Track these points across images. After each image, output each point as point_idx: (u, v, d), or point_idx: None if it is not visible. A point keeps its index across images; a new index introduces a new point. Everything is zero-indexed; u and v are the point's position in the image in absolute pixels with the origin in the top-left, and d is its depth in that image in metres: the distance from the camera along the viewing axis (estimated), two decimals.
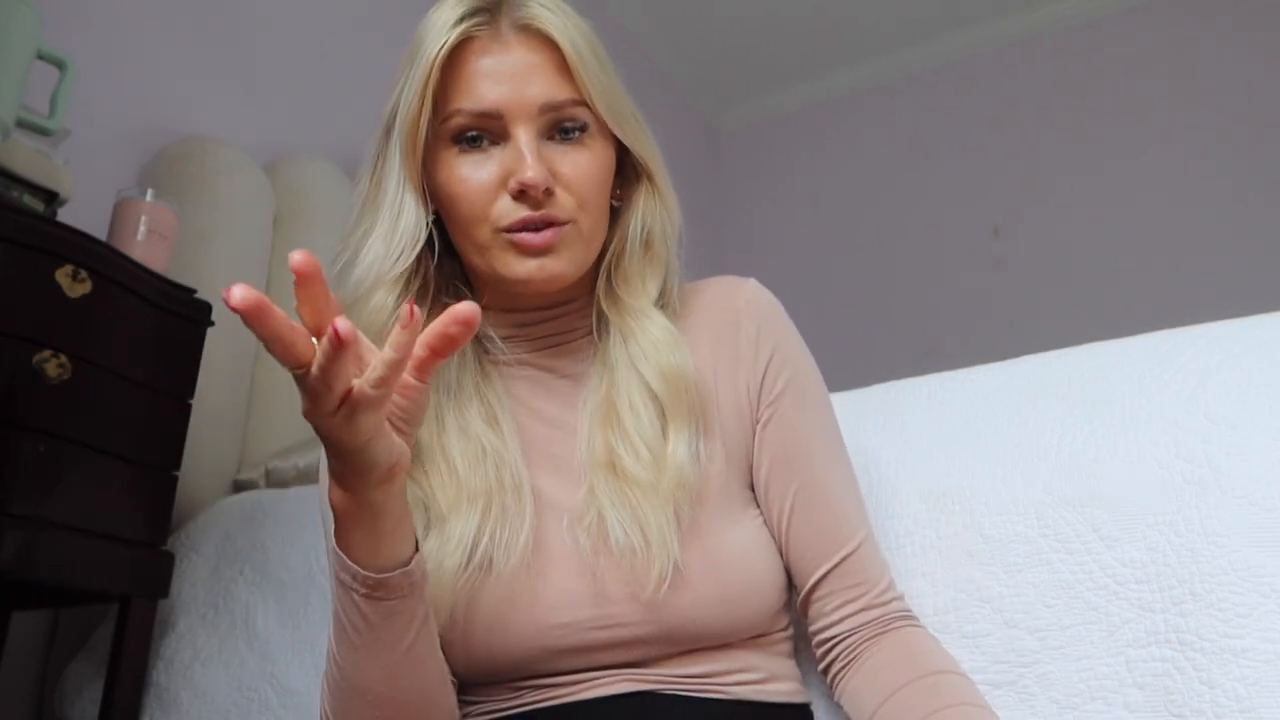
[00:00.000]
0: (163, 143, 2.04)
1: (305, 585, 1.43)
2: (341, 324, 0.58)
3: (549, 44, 0.88)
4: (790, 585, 0.92)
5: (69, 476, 1.31)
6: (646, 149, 0.94)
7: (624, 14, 3.61)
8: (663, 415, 0.88)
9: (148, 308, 1.45)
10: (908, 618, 0.90)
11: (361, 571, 0.72)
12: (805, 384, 0.94)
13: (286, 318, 0.60)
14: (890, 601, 0.90)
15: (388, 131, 0.91)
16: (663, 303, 0.95)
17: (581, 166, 0.88)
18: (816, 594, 0.90)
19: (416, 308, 0.60)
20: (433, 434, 0.89)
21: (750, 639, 0.88)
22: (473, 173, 0.87)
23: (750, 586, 0.87)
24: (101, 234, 1.52)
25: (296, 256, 0.59)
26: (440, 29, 0.86)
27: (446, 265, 0.94)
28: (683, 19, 3.74)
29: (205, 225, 1.90)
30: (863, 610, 0.89)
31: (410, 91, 0.86)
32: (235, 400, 1.92)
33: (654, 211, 0.95)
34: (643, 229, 0.94)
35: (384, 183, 0.90)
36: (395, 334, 0.60)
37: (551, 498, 0.88)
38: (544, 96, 0.86)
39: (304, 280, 0.60)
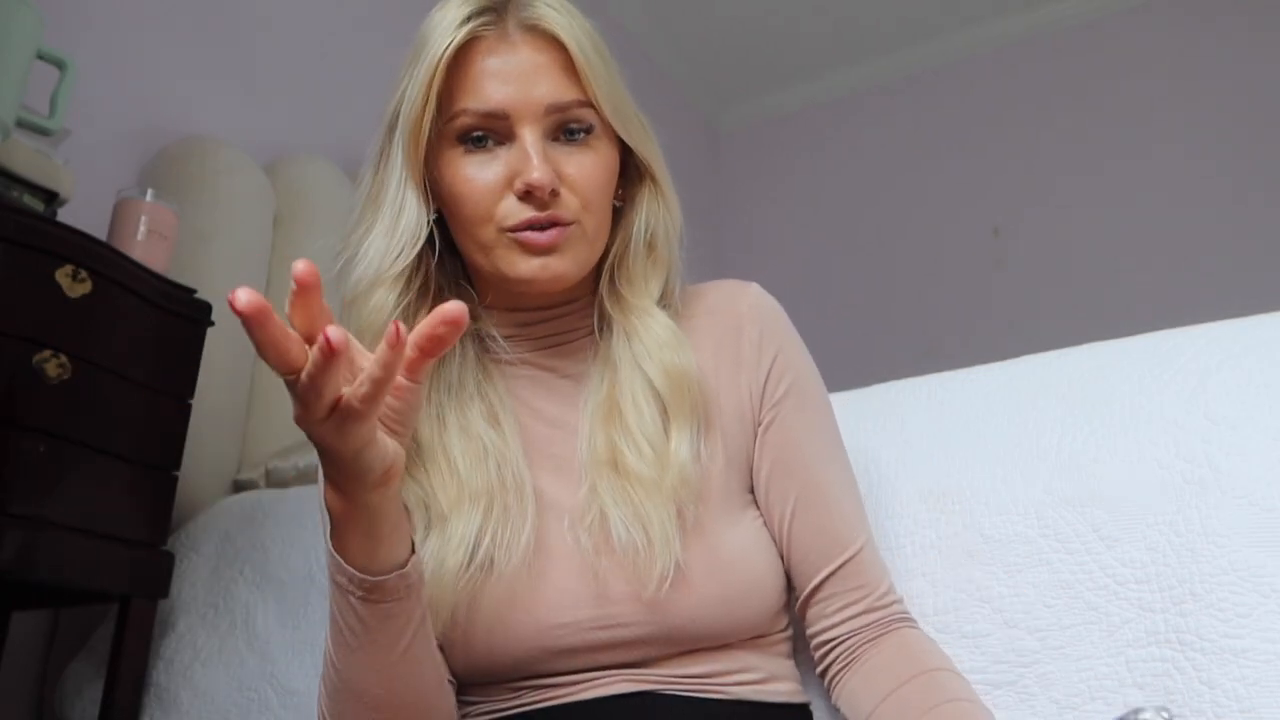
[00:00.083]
0: (163, 143, 2.04)
1: (305, 585, 1.43)
2: (333, 332, 0.58)
3: (555, 44, 0.87)
4: (789, 587, 0.92)
5: (69, 476, 1.31)
6: (649, 150, 0.94)
7: (624, 14, 3.61)
8: (665, 413, 0.89)
9: (148, 308, 1.45)
10: (906, 619, 0.90)
11: (357, 574, 0.72)
12: (807, 388, 0.95)
13: (283, 324, 0.60)
14: (890, 604, 0.90)
15: (390, 130, 0.90)
16: (665, 303, 0.95)
17: (586, 168, 0.88)
18: (816, 597, 0.90)
19: (402, 326, 0.60)
20: (434, 433, 0.89)
21: (750, 640, 0.88)
22: (478, 172, 0.86)
23: (751, 587, 0.87)
24: (101, 234, 1.52)
25: (300, 266, 0.59)
26: (446, 28, 0.86)
27: (448, 264, 0.94)
28: (683, 19, 3.74)
29: (205, 225, 1.90)
30: (863, 613, 0.89)
31: (415, 90, 0.86)
32: (235, 400, 1.92)
33: (657, 212, 0.95)
34: (646, 230, 0.94)
35: (386, 181, 0.90)
36: (381, 352, 0.60)
37: (552, 497, 0.88)
38: (550, 97, 0.86)
39: (304, 289, 0.60)
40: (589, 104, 0.88)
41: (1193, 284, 2.97)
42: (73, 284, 1.33)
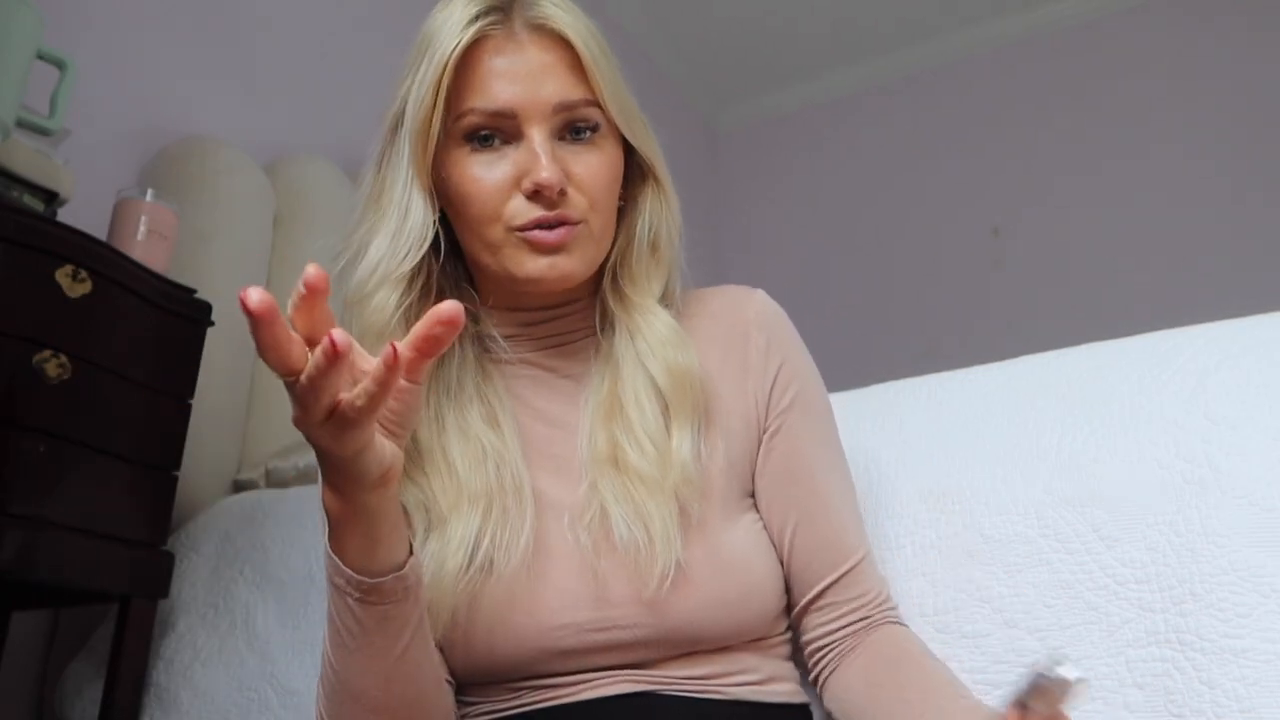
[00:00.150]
0: (163, 143, 2.04)
1: (305, 585, 1.43)
2: (338, 335, 0.58)
3: (562, 43, 0.88)
4: (786, 593, 0.93)
5: (69, 476, 1.31)
6: (652, 150, 0.94)
7: (622, 14, 3.61)
8: (666, 412, 0.89)
9: (148, 308, 1.45)
10: (895, 620, 0.92)
11: (355, 576, 0.72)
12: (811, 397, 0.95)
13: (287, 325, 0.60)
14: (885, 610, 0.91)
15: (394, 129, 0.90)
16: (666, 302, 0.95)
17: (593, 167, 0.88)
18: (814, 606, 0.90)
19: (400, 346, 0.60)
20: (433, 435, 0.89)
21: (750, 642, 0.88)
22: (485, 172, 0.86)
23: (752, 589, 0.87)
24: (101, 234, 1.52)
25: (312, 270, 0.60)
26: (453, 27, 0.86)
27: (449, 265, 0.94)
28: (681, 19, 3.74)
29: (205, 225, 1.90)
30: (858, 620, 0.90)
31: (421, 89, 0.86)
32: (235, 400, 1.92)
33: (660, 212, 0.95)
34: (650, 230, 0.94)
35: (390, 180, 0.90)
36: (378, 370, 0.61)
37: (552, 498, 0.88)
38: (558, 96, 0.86)
39: (313, 294, 0.60)
40: (596, 103, 0.88)
41: (1192, 284, 2.98)
42: (73, 284, 1.33)
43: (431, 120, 0.86)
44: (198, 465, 1.74)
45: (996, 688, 0.92)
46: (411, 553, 0.75)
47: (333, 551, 0.73)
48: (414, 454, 0.88)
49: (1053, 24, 3.61)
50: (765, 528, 0.92)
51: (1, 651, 1.56)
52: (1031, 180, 3.49)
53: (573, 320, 0.96)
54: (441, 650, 0.85)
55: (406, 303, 0.88)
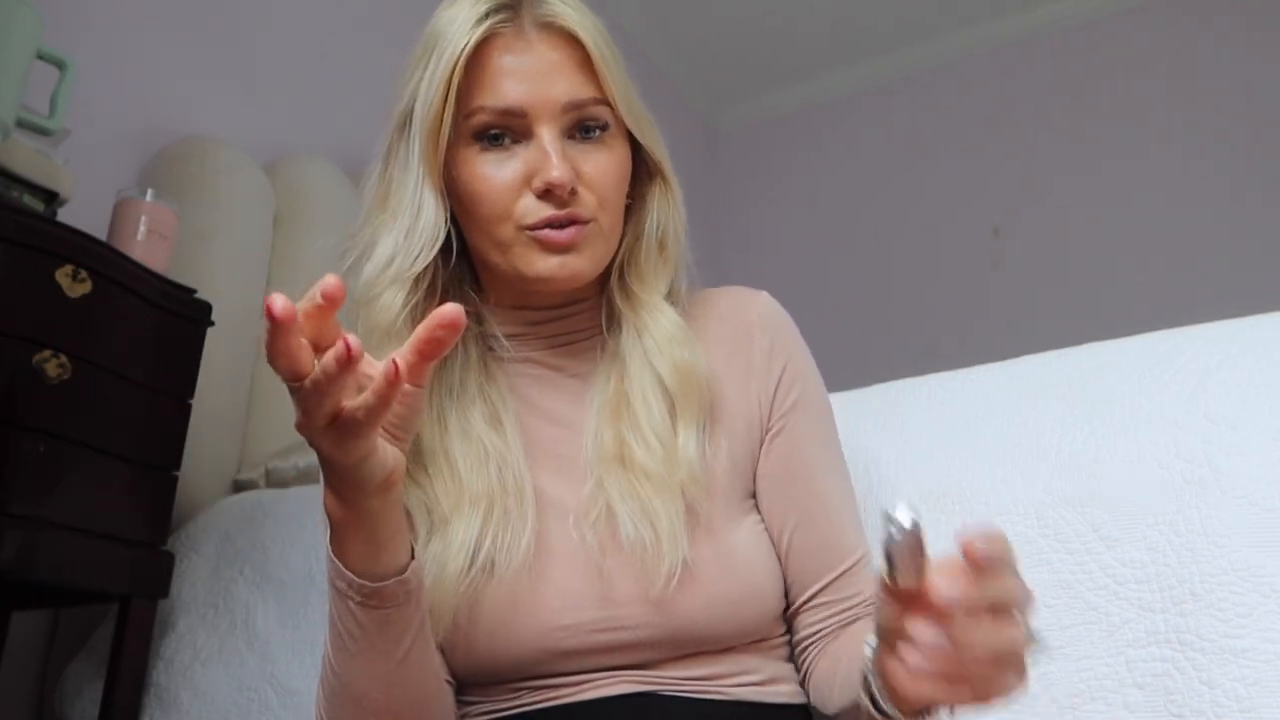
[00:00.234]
0: (163, 143, 2.04)
1: (305, 585, 1.43)
2: (354, 341, 0.59)
3: (571, 42, 0.88)
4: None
5: (69, 476, 1.31)
6: (659, 148, 0.95)
7: (622, 14, 3.61)
8: (672, 410, 0.89)
9: (148, 308, 1.45)
10: None
11: (357, 580, 0.72)
12: (813, 399, 0.95)
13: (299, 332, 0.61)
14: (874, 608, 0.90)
15: (402, 127, 0.90)
16: (672, 300, 0.95)
17: (603, 166, 0.88)
18: (809, 605, 0.90)
19: (399, 361, 0.61)
20: (435, 436, 0.89)
21: (751, 643, 0.88)
22: (495, 171, 0.86)
23: (755, 589, 0.87)
24: (101, 234, 1.52)
25: (331, 281, 0.61)
26: (463, 25, 0.86)
27: (453, 264, 0.94)
28: (681, 19, 3.74)
29: (205, 225, 1.90)
30: (846, 616, 0.89)
31: (431, 88, 0.86)
32: (235, 400, 1.92)
33: (667, 211, 0.95)
34: (658, 228, 0.95)
35: (399, 179, 0.90)
36: (378, 383, 0.61)
37: (555, 497, 0.88)
38: (568, 95, 0.86)
39: (331, 305, 0.61)
40: (605, 102, 0.88)
41: (1192, 284, 2.98)
42: (73, 284, 1.33)
43: (442, 118, 0.86)
44: (198, 465, 1.73)
45: None
46: (413, 556, 0.75)
47: (335, 555, 0.72)
48: (416, 455, 0.88)
49: (1052, 24, 3.61)
50: (765, 528, 0.92)
51: (1, 651, 1.56)
52: (1031, 180, 3.49)
53: (579, 319, 0.96)
54: (442, 651, 0.85)
55: (413, 301, 0.88)
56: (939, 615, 0.57)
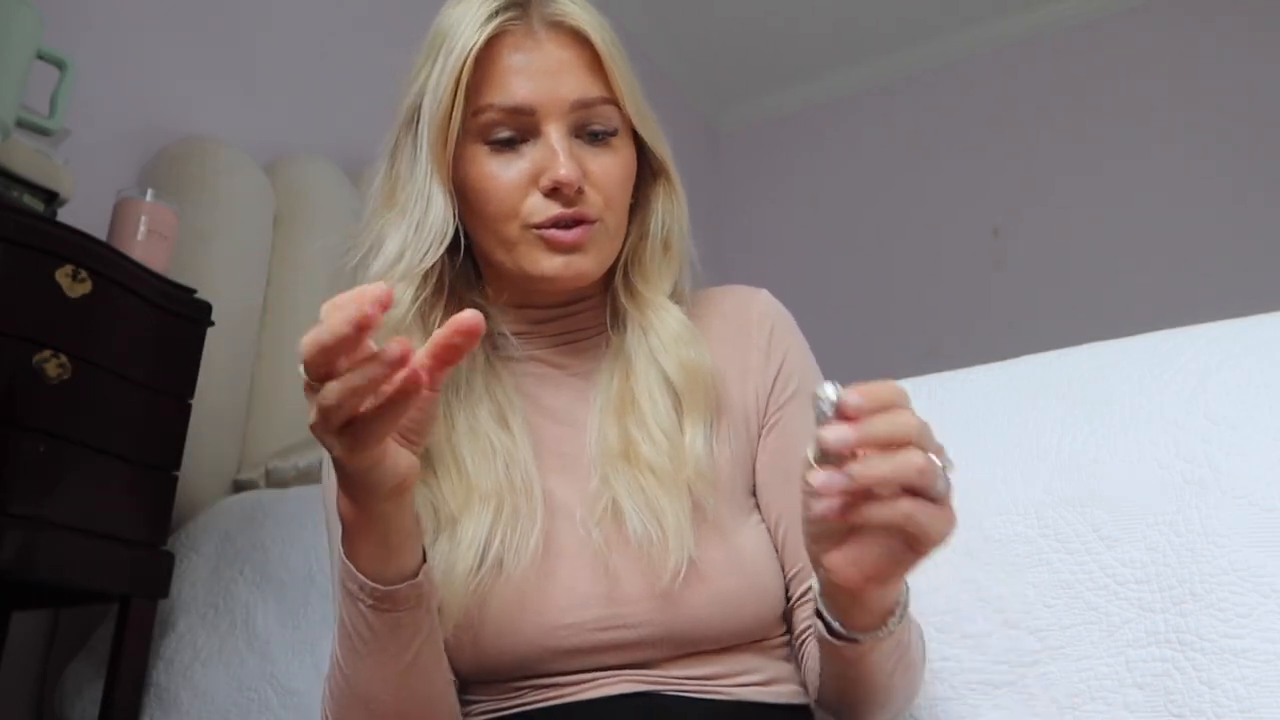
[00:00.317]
0: (163, 143, 2.04)
1: (305, 585, 1.43)
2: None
3: (580, 41, 0.88)
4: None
5: (69, 476, 1.31)
6: (664, 148, 0.95)
7: (624, 14, 3.60)
8: (678, 407, 0.89)
9: (148, 308, 1.45)
10: None
11: (369, 583, 0.72)
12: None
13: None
14: None
15: (410, 124, 0.90)
16: (676, 299, 0.95)
17: (609, 166, 0.88)
18: (806, 598, 0.90)
19: (421, 369, 0.60)
20: (442, 434, 0.89)
21: (753, 643, 0.88)
22: (503, 169, 0.86)
23: (761, 588, 0.86)
24: (101, 234, 1.52)
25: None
26: (472, 23, 0.86)
27: (459, 261, 0.94)
28: (683, 19, 3.74)
29: (205, 225, 1.90)
30: None
31: (440, 84, 0.86)
32: (235, 400, 1.92)
33: (671, 210, 0.95)
34: (663, 227, 0.95)
35: (406, 176, 0.90)
36: (398, 389, 0.60)
37: (562, 496, 0.88)
38: (576, 93, 0.86)
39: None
40: (613, 101, 0.88)
41: (1193, 284, 2.97)
42: (73, 284, 1.33)
43: (451, 116, 0.86)
44: (198, 465, 1.74)
45: (997, 688, 0.92)
46: (425, 560, 0.75)
47: (346, 557, 0.72)
48: (424, 454, 0.88)
49: (1054, 24, 3.61)
50: (766, 525, 0.92)
51: (1, 651, 1.56)
52: (1033, 180, 3.49)
53: (584, 318, 0.96)
54: (447, 649, 0.85)
55: (422, 297, 0.88)
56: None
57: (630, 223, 0.94)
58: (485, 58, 0.86)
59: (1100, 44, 3.50)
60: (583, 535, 0.85)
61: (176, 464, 1.48)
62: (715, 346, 0.94)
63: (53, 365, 1.29)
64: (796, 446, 0.91)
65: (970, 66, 3.74)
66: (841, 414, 0.59)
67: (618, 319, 0.95)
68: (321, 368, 0.60)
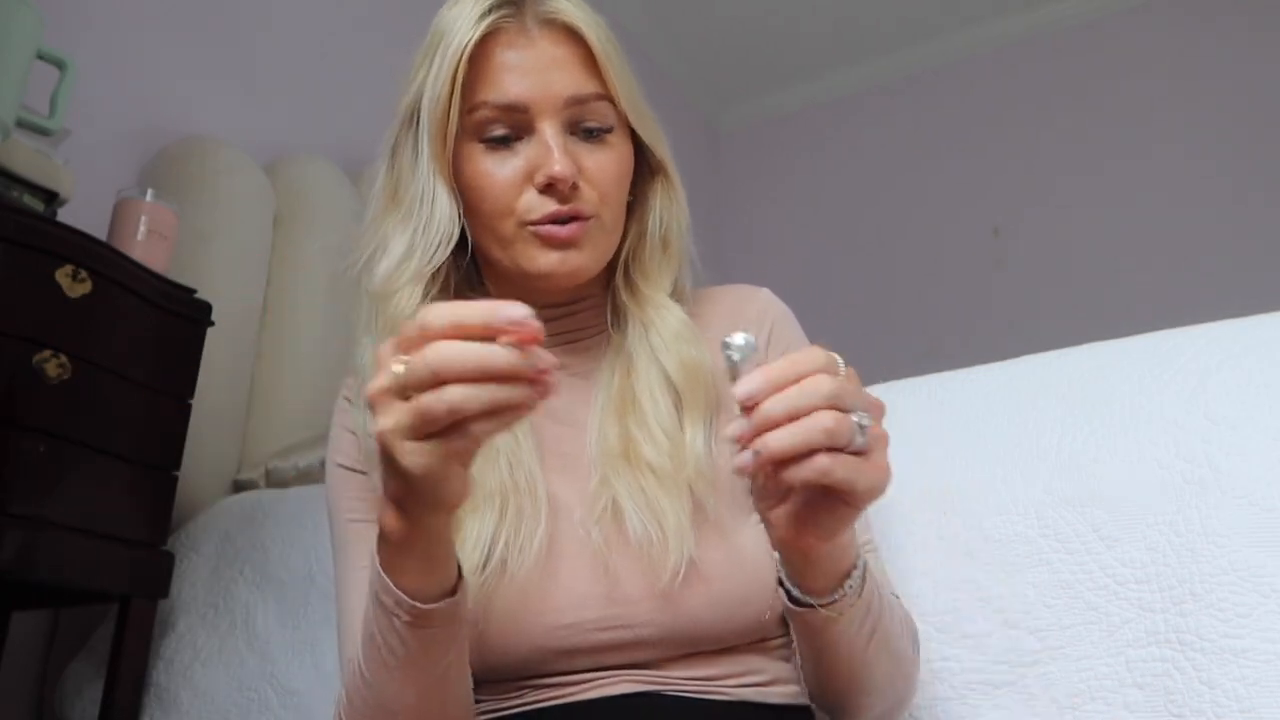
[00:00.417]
0: (163, 143, 2.04)
1: (305, 585, 1.43)
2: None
3: (574, 38, 0.88)
4: None
5: (69, 476, 1.31)
6: (662, 145, 0.95)
7: (624, 14, 3.61)
8: (679, 406, 0.89)
9: (148, 308, 1.45)
10: None
11: (408, 600, 0.70)
12: None
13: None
14: None
15: (409, 123, 0.91)
16: (676, 297, 0.95)
17: (604, 162, 0.88)
18: None
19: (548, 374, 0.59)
20: None
21: (753, 643, 0.88)
22: (498, 167, 0.87)
23: (762, 588, 0.86)
24: (101, 234, 1.52)
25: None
26: (466, 21, 0.86)
27: (462, 259, 0.94)
28: (683, 19, 3.74)
29: (205, 225, 1.90)
30: None
31: (438, 84, 0.86)
32: (235, 400, 1.92)
33: (670, 207, 0.96)
34: (661, 225, 0.95)
35: (408, 175, 0.90)
36: (524, 394, 0.59)
37: (563, 496, 0.88)
38: (570, 90, 0.87)
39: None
40: (608, 97, 0.88)
41: (1193, 284, 2.97)
42: (73, 284, 1.33)
43: (449, 114, 0.86)
44: (198, 465, 1.74)
45: (997, 688, 0.92)
46: (461, 575, 0.74)
47: (384, 572, 0.70)
48: None
49: (1054, 24, 3.61)
50: None
51: (1, 651, 1.56)
52: (1033, 180, 3.49)
53: (585, 317, 0.96)
54: None
55: (431, 294, 0.89)
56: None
57: (629, 220, 0.95)
58: (480, 56, 0.86)
59: (1100, 44, 3.50)
60: (582, 535, 0.85)
61: (176, 464, 1.48)
62: (716, 344, 0.94)
63: (53, 365, 1.29)
64: None
65: (970, 66, 3.74)
66: (743, 405, 0.61)
67: (618, 317, 0.95)
68: (437, 371, 0.57)
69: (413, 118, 0.90)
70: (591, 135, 0.89)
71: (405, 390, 0.59)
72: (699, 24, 3.77)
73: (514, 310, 0.57)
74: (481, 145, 0.88)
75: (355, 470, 0.93)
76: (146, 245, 1.55)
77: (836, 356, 0.63)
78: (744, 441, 0.61)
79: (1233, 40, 3.26)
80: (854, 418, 0.61)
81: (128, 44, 2.05)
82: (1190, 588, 0.84)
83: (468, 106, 0.87)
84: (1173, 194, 3.21)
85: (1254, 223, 3.05)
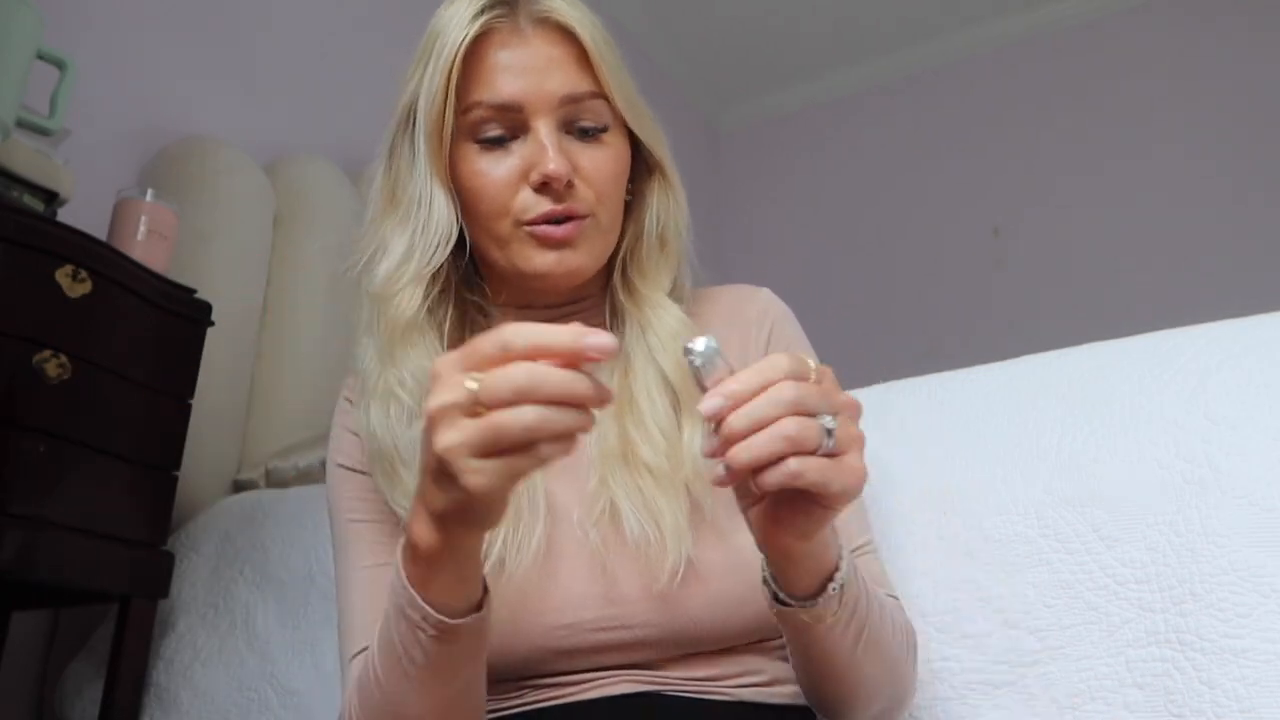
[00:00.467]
0: (163, 143, 2.04)
1: (305, 585, 1.43)
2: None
3: (567, 37, 0.88)
4: None
5: (69, 476, 1.31)
6: (659, 143, 0.95)
7: (624, 14, 3.61)
8: (677, 406, 0.88)
9: (148, 308, 1.45)
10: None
11: (435, 615, 0.69)
12: None
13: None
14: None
15: (405, 125, 0.91)
16: (675, 296, 0.95)
17: (599, 160, 0.88)
18: None
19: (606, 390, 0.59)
20: None
21: (752, 643, 0.87)
22: (493, 166, 0.87)
23: (758, 588, 0.86)
24: (101, 234, 1.52)
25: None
26: (459, 22, 0.86)
27: (461, 259, 0.94)
28: (683, 19, 3.74)
29: (205, 225, 1.90)
30: None
31: (432, 85, 0.86)
32: (235, 400, 1.92)
33: (667, 206, 0.95)
34: (658, 223, 0.95)
35: (405, 177, 0.90)
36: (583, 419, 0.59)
37: (562, 497, 0.88)
38: (564, 89, 0.87)
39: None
40: (602, 95, 0.88)
41: (1193, 284, 2.97)
42: (73, 284, 1.33)
43: (444, 116, 0.87)
44: (198, 465, 1.74)
45: (997, 688, 0.92)
46: (486, 590, 0.73)
47: (411, 587, 0.69)
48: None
49: (1054, 24, 3.61)
50: None
51: (1, 651, 1.56)
52: (1033, 180, 3.49)
53: (583, 317, 0.96)
54: None
55: (432, 294, 0.89)
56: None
57: (627, 220, 0.95)
58: (473, 56, 0.87)
59: (1100, 44, 3.50)
60: (580, 536, 0.85)
61: (176, 464, 1.48)
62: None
63: (53, 365, 1.29)
64: None
65: (970, 66, 3.74)
66: (710, 420, 0.62)
67: (616, 318, 0.95)
68: (522, 391, 0.57)
69: (409, 119, 0.90)
70: (587, 134, 0.89)
71: (477, 408, 0.58)
72: (699, 24, 3.77)
73: (600, 339, 0.57)
74: (477, 146, 0.88)
75: (356, 470, 0.93)
76: (146, 245, 1.55)
77: (806, 358, 0.63)
78: (714, 456, 0.62)
79: (1233, 40, 3.26)
80: (820, 421, 0.61)
81: (128, 44, 2.05)
82: (1190, 588, 0.84)
83: (462, 107, 0.87)
84: (1173, 194, 3.21)
85: (1254, 223, 3.05)
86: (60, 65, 1.58)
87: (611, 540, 0.84)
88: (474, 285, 0.95)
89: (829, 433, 0.62)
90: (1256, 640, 0.80)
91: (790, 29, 3.76)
